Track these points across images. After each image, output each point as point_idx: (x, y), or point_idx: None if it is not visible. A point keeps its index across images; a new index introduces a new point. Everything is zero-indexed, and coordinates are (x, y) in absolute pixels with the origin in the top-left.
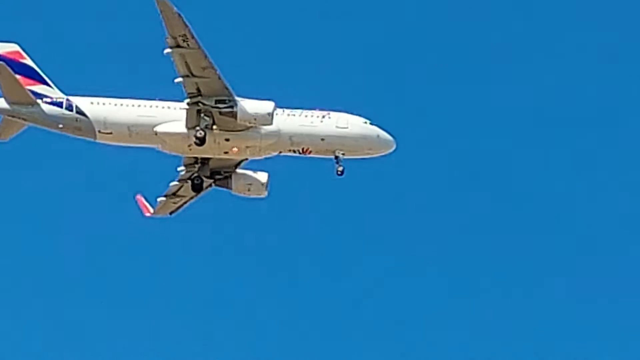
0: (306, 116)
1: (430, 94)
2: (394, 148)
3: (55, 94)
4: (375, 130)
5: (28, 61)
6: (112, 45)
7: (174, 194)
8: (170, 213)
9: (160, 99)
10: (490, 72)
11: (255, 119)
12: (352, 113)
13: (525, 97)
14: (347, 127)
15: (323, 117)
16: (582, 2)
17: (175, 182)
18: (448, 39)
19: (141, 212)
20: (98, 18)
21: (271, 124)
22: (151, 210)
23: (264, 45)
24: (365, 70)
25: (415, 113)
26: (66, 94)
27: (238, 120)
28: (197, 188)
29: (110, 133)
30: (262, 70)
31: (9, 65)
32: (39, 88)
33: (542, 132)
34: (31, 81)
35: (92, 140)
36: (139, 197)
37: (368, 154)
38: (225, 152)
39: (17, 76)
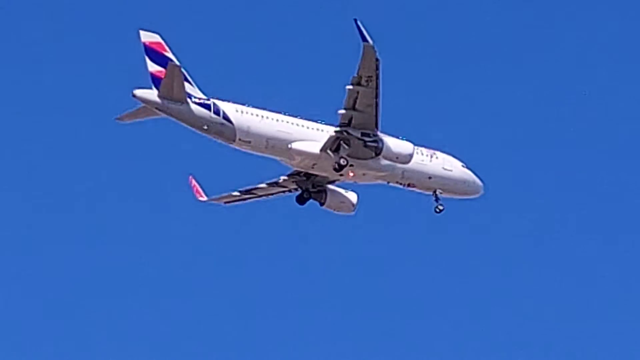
0: (418, 153)
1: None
2: (482, 193)
3: (197, 93)
4: (471, 175)
5: (169, 54)
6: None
7: (250, 192)
8: (225, 202)
9: (298, 116)
10: None
11: (397, 157)
12: (452, 155)
13: None
14: (452, 170)
15: (431, 156)
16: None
17: (264, 185)
18: None
19: (193, 194)
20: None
21: (409, 163)
22: (204, 195)
23: None
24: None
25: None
26: (206, 95)
27: (381, 156)
28: (302, 200)
29: (249, 142)
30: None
31: (151, 56)
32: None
33: None
34: None
35: (227, 144)
36: (191, 179)
37: (462, 196)
38: (341, 175)
39: (160, 68)
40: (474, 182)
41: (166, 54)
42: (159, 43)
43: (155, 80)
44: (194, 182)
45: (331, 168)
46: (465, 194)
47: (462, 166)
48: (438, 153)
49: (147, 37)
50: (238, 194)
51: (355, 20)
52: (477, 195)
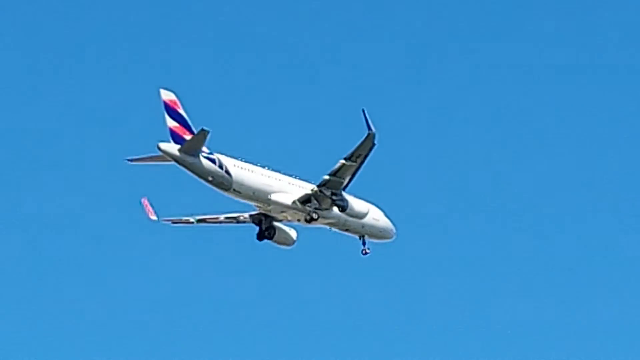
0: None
1: None
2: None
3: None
4: (389, 223)
5: (181, 110)
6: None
7: (205, 220)
8: (173, 222)
9: (279, 171)
10: None
11: (356, 215)
12: (377, 205)
13: None
14: (378, 220)
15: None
16: None
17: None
18: None
19: (146, 215)
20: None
21: (364, 218)
22: (154, 215)
23: None
24: None
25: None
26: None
27: (345, 212)
28: (261, 237)
29: (240, 192)
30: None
31: (169, 112)
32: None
33: None
34: (185, 131)
35: (221, 192)
36: (144, 200)
37: (382, 240)
38: (298, 220)
39: (175, 123)
40: (392, 229)
41: (180, 110)
42: (175, 101)
43: (173, 134)
44: (146, 203)
45: (296, 216)
46: (385, 238)
47: (384, 215)
48: (370, 205)
49: (166, 95)
50: (193, 221)
51: (363, 111)
52: (392, 239)
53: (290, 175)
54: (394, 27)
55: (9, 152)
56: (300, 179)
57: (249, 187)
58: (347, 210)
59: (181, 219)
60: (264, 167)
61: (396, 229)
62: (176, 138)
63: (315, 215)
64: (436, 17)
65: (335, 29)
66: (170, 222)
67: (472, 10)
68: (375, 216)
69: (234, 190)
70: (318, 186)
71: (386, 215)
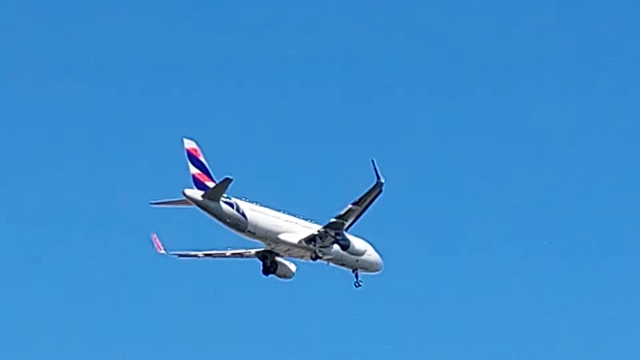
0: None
1: None
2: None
3: None
4: (378, 257)
5: (202, 158)
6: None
7: (210, 255)
8: (180, 256)
9: (286, 212)
10: None
11: (357, 252)
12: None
13: None
14: (370, 255)
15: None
16: None
17: (237, 252)
18: None
19: (155, 249)
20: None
21: (363, 255)
22: (162, 249)
23: None
24: None
25: None
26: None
27: (347, 251)
28: (267, 272)
29: (254, 233)
30: None
31: (192, 160)
32: (211, 184)
33: None
34: (206, 177)
35: (237, 233)
36: (154, 235)
37: (372, 272)
38: (302, 257)
39: (198, 171)
40: (380, 263)
41: (200, 158)
42: (196, 149)
43: (195, 180)
44: (155, 237)
45: (300, 253)
46: (375, 271)
47: (374, 250)
48: (364, 242)
49: (188, 144)
50: (200, 255)
51: (373, 161)
52: (379, 272)
53: (299, 217)
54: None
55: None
56: (308, 219)
57: (261, 229)
58: (349, 249)
59: (189, 253)
60: (276, 209)
61: (384, 262)
62: (198, 184)
63: (320, 254)
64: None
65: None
66: (177, 256)
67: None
68: (368, 251)
69: (249, 231)
70: (324, 227)
71: (375, 250)
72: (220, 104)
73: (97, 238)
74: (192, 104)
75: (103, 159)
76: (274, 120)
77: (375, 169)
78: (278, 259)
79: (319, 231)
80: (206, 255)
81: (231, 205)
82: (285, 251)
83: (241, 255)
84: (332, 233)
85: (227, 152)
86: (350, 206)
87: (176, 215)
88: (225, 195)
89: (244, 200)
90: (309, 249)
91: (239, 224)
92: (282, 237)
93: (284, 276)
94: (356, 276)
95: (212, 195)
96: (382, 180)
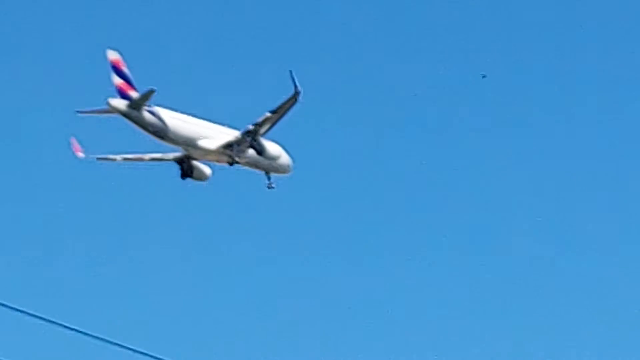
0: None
1: None
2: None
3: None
4: (290, 160)
5: (125, 69)
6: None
7: (129, 159)
8: (98, 159)
9: (207, 119)
10: None
11: (271, 157)
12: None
13: None
14: (283, 158)
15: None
16: None
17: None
18: None
19: (73, 152)
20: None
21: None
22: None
23: None
24: None
25: None
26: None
27: (261, 155)
28: (184, 176)
29: (175, 140)
30: None
31: (116, 71)
32: (134, 94)
33: None
34: (130, 87)
35: (157, 140)
36: (73, 139)
37: (281, 174)
38: (217, 161)
39: (121, 81)
40: (291, 165)
41: (124, 69)
42: (119, 60)
43: (119, 90)
44: (75, 141)
45: (218, 158)
46: (286, 173)
47: (284, 152)
48: (277, 145)
49: (112, 55)
50: (118, 158)
51: (291, 72)
52: (289, 174)
53: (217, 124)
54: None
55: None
56: (225, 125)
57: (181, 136)
58: (264, 154)
59: (107, 157)
60: (196, 117)
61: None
62: (122, 94)
63: (237, 159)
64: None
65: None
66: (95, 159)
67: None
68: (281, 155)
69: (169, 138)
70: (241, 134)
71: (287, 153)
72: (143, 14)
73: (19, 145)
74: (114, 15)
75: (26, 69)
76: (195, 29)
77: (293, 79)
78: (194, 163)
79: (236, 137)
80: (125, 159)
81: (153, 113)
82: (203, 156)
83: (159, 160)
84: (249, 139)
85: (149, 62)
86: (267, 114)
87: (100, 124)
88: (147, 104)
89: (165, 108)
90: (226, 155)
91: (161, 132)
92: (200, 143)
93: (200, 179)
94: (268, 178)
95: (136, 105)
96: (300, 90)
